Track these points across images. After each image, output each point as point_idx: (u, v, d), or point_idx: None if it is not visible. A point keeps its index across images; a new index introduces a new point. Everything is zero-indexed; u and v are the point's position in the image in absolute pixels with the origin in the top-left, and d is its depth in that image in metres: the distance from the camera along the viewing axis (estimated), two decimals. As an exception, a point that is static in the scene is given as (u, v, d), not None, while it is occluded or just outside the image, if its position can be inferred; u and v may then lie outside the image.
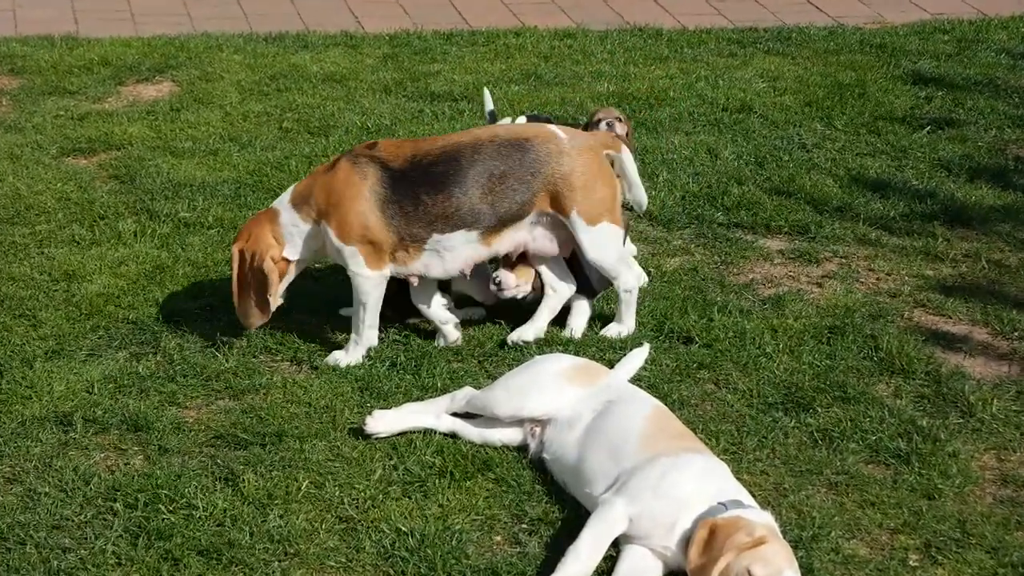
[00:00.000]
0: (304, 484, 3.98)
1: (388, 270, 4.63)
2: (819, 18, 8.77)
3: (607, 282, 4.89)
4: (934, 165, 6.47)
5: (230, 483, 3.99)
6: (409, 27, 8.45)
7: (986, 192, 6.16)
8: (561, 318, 4.91)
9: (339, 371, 4.61)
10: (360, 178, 4.54)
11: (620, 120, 5.56)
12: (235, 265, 4.65)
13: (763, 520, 3.55)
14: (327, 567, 3.68)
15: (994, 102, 7.26)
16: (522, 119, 5.86)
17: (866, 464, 4.17)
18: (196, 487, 3.95)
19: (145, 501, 3.88)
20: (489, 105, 5.79)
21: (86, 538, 3.75)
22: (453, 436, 4.21)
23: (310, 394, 4.47)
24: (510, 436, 4.19)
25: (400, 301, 4.82)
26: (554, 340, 4.83)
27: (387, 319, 4.81)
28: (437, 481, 4.01)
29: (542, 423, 4.12)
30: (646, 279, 5.19)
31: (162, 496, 3.89)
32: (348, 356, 4.67)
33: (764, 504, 3.80)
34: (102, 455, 4.15)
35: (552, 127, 4.78)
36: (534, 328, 4.80)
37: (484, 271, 4.92)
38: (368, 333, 4.68)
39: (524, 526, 3.86)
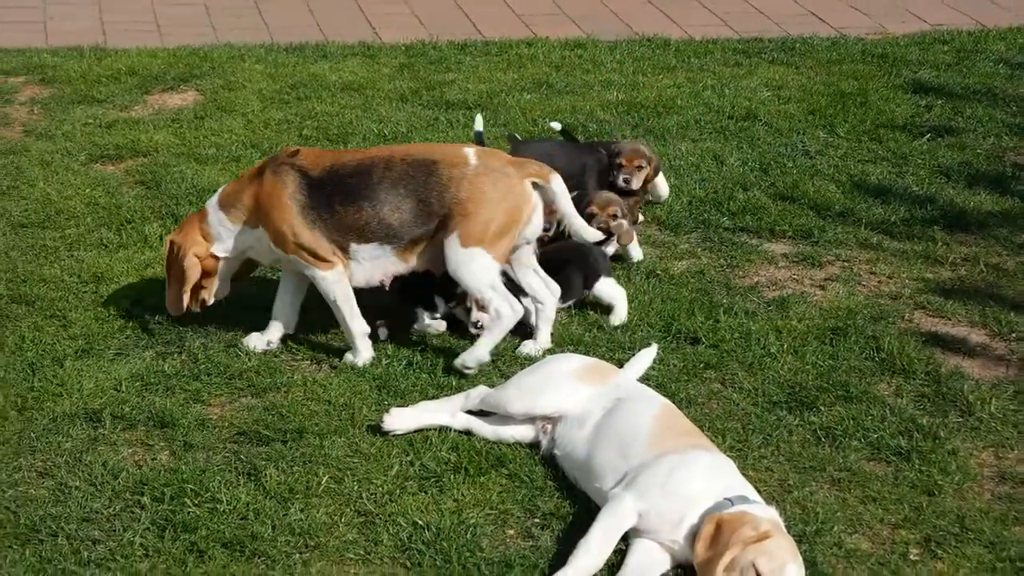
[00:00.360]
0: (324, 479, 4.00)
1: (340, 265, 4.60)
2: (822, 29, 8.76)
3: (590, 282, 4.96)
4: (934, 171, 6.46)
5: (253, 478, 4.01)
6: (425, 38, 8.47)
7: (984, 198, 6.15)
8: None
9: (357, 370, 4.62)
10: (281, 187, 4.56)
11: (640, 167, 5.55)
12: (166, 254, 4.79)
13: (768, 515, 3.55)
14: (346, 559, 3.70)
15: (992, 111, 7.24)
16: (556, 125, 6.05)
17: (868, 461, 4.17)
18: (220, 482, 3.96)
19: (171, 495, 3.90)
20: (479, 127, 5.83)
21: (115, 530, 3.77)
22: (468, 433, 4.22)
23: (329, 392, 4.48)
24: (522, 433, 4.19)
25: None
26: (563, 341, 4.84)
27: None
28: (452, 477, 4.02)
29: (553, 420, 4.12)
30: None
31: (187, 490, 3.91)
32: (355, 355, 4.68)
33: (769, 500, 3.80)
34: (130, 450, 4.17)
35: (467, 150, 4.60)
36: (540, 342, 4.77)
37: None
38: (355, 324, 4.66)
39: (536, 520, 3.86)
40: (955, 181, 6.35)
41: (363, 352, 4.68)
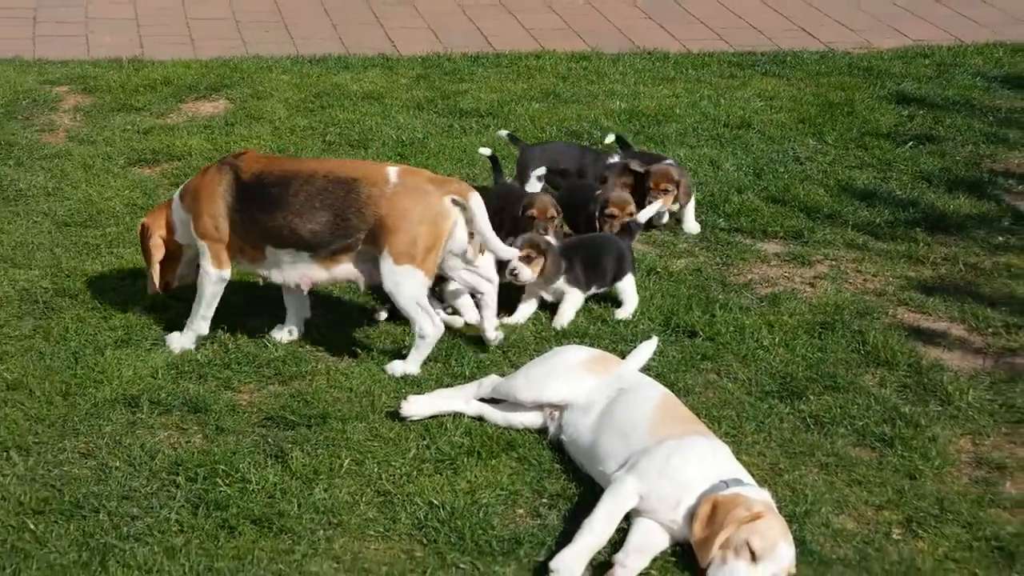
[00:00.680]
0: (346, 461, 4.01)
1: (228, 273, 4.63)
2: (812, 43, 8.74)
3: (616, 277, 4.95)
4: (916, 177, 6.45)
5: (280, 460, 4.02)
6: (440, 50, 8.47)
7: (963, 202, 6.14)
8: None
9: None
10: (217, 182, 4.57)
11: (666, 191, 5.56)
12: (140, 236, 4.85)
13: (761, 497, 3.55)
14: (367, 535, 3.71)
15: (970, 120, 7.23)
16: (611, 137, 6.09)
17: (854, 447, 4.17)
18: (249, 463, 3.98)
19: (204, 475, 3.91)
20: (487, 152, 5.85)
21: (152, 507, 3.79)
22: (480, 419, 4.23)
23: (351, 380, 4.49)
24: (531, 420, 4.20)
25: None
26: (569, 333, 4.84)
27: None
28: (465, 459, 4.03)
29: (560, 408, 4.13)
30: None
31: (219, 471, 3.92)
32: (180, 340, 4.69)
33: (761, 482, 3.80)
34: (166, 433, 4.19)
35: (389, 169, 4.47)
36: (488, 331, 4.70)
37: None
38: (200, 323, 4.69)
39: (544, 501, 3.87)
40: (936, 186, 6.34)
41: (186, 343, 4.67)
